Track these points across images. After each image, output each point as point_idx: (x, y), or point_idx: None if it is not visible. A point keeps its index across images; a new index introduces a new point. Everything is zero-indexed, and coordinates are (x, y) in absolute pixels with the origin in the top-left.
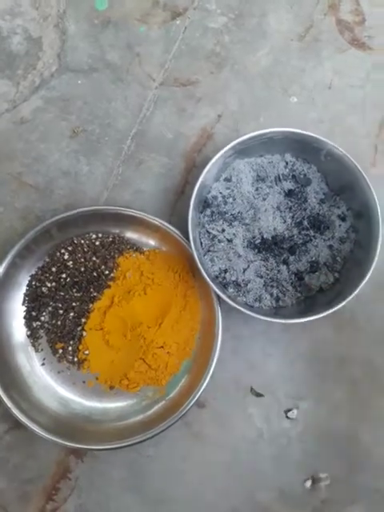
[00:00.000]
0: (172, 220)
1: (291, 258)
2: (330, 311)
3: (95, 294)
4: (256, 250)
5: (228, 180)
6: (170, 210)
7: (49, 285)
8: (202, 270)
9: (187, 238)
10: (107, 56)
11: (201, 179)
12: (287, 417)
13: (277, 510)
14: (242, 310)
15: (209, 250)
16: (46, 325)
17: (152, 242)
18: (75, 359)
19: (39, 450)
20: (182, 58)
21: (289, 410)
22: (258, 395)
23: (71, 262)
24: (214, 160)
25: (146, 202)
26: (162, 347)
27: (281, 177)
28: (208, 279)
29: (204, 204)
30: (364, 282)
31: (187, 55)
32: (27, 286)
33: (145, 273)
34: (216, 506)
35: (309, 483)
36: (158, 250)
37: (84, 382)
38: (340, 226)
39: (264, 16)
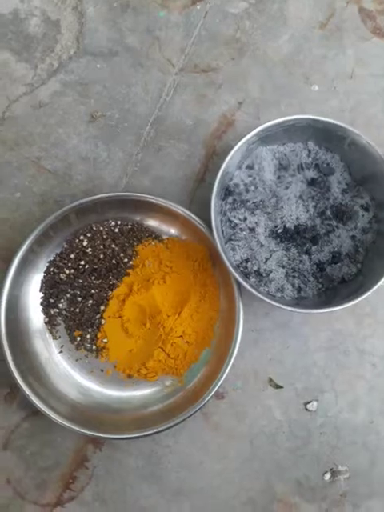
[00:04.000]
0: (191, 208)
1: (313, 248)
2: (353, 303)
3: (114, 282)
4: (278, 240)
5: (250, 167)
6: (190, 197)
7: (67, 271)
8: (225, 259)
9: (207, 226)
10: (127, 40)
11: (223, 166)
12: (306, 409)
13: (295, 503)
14: (266, 299)
15: (230, 239)
16: (64, 312)
17: (171, 230)
18: (93, 347)
19: (57, 438)
20: (203, 43)
21: (308, 403)
22: (278, 387)
23: (90, 249)
24: (237, 146)
25: (166, 189)
26: (181, 336)
27: (303, 165)
28: (231, 268)
29: (226, 192)
30: None
31: (207, 41)
32: (45, 272)
33: (164, 261)
34: (234, 497)
35: (328, 476)
36: (176, 238)
37: (102, 370)
38: (363, 216)
39: (285, 2)
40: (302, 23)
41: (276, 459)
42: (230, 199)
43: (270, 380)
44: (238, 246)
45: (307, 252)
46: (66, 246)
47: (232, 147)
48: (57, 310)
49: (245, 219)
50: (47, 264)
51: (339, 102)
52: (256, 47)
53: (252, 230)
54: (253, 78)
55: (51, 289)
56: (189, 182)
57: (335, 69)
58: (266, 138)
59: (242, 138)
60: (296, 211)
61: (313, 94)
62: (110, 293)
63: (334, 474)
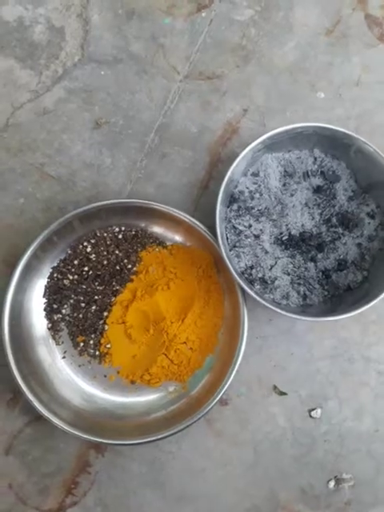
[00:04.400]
0: (195, 215)
1: (319, 256)
2: (359, 311)
3: (118, 288)
4: (283, 247)
5: (255, 175)
6: (194, 204)
7: (71, 277)
8: (230, 266)
9: (212, 233)
10: (131, 47)
11: (229, 173)
12: (311, 416)
13: (299, 510)
14: (271, 307)
15: (235, 246)
16: (67, 318)
17: (176, 237)
18: (97, 353)
19: (59, 444)
20: (208, 50)
21: (312, 410)
22: (282, 394)
23: (94, 255)
24: (243, 154)
25: (170, 196)
26: (185, 343)
27: (309, 173)
28: (235, 275)
29: (230, 199)
30: None
31: (213, 48)
32: (49, 278)
33: (168, 267)
34: (237, 504)
35: (332, 484)
36: (181, 245)
37: (105, 376)
38: (369, 223)
39: (290, 9)
40: (308, 30)
41: (280, 466)
42: (234, 206)
43: (274, 387)
44: (243, 252)
45: (312, 259)
46: (69, 252)
47: (237, 154)
48: (60, 316)
49: (250, 226)
50: (51, 270)
51: (345, 109)
52: (261, 54)
53: (257, 237)
54: (258, 86)
55: (55, 294)
56: (193, 189)
57: (341, 76)
58: (271, 146)
59: (247, 145)
60: (301, 218)
61: (318, 101)
62: (113, 299)
63: (339, 481)
